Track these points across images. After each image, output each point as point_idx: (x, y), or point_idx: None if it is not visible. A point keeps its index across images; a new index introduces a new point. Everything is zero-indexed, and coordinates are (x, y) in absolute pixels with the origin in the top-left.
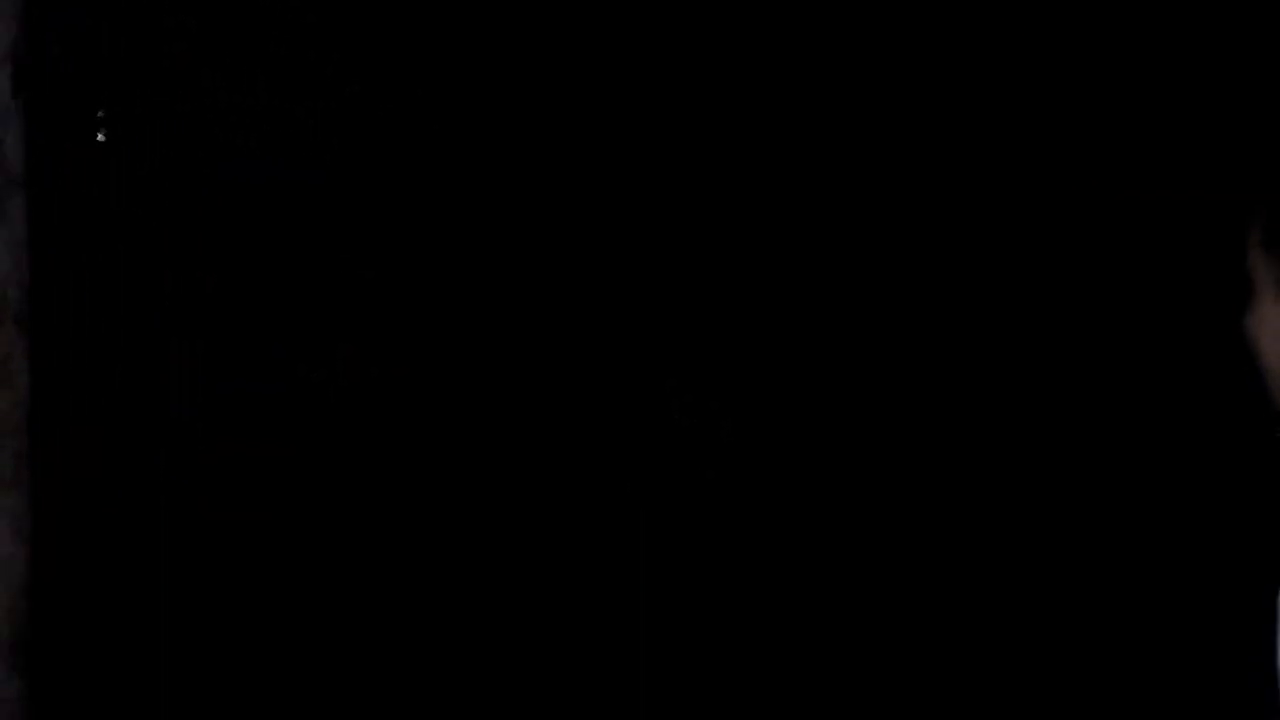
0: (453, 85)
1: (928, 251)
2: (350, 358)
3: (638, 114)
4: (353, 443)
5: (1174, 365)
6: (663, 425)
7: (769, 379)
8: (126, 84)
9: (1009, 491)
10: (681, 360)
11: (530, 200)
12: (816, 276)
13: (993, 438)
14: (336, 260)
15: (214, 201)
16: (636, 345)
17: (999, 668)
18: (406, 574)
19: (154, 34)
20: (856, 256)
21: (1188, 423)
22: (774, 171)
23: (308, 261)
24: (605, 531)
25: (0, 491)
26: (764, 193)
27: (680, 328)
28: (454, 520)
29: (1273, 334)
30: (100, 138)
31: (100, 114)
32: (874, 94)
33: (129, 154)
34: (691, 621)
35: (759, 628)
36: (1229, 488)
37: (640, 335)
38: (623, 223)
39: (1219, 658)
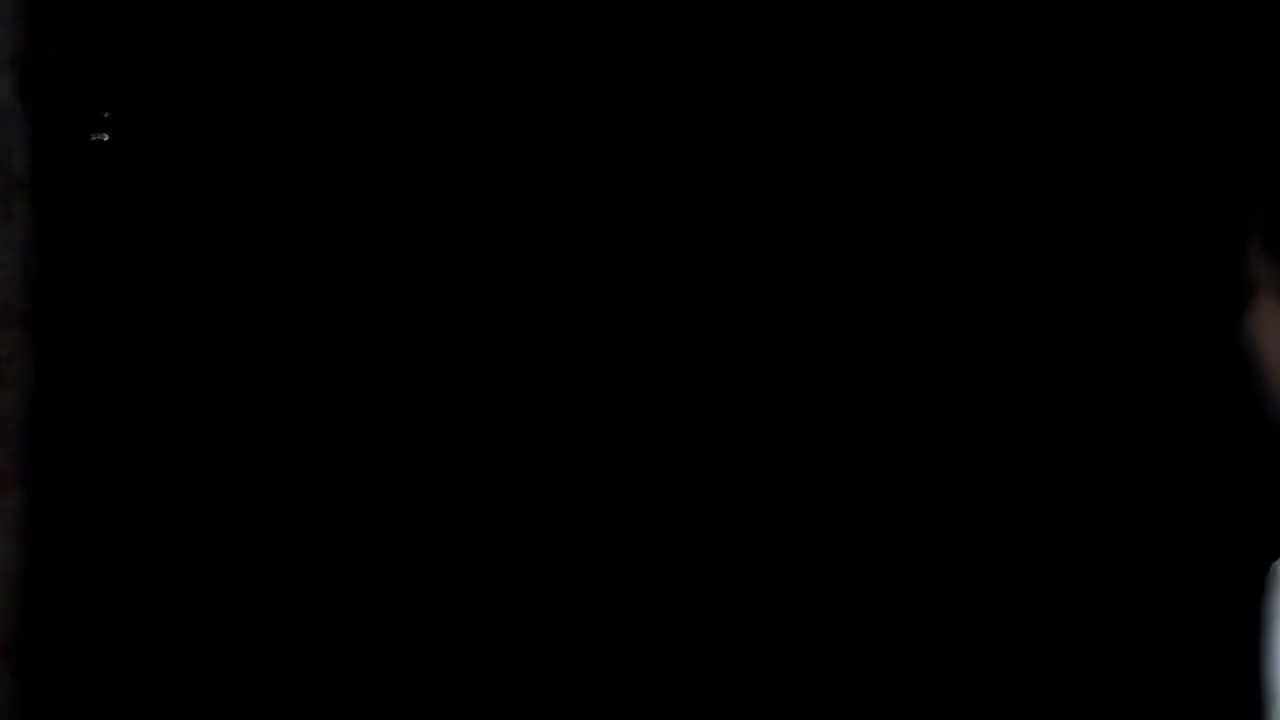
0: (453, 85)
1: (927, 253)
2: (350, 358)
3: (638, 115)
4: (352, 443)
5: (1173, 365)
6: (663, 425)
7: (768, 379)
8: (126, 84)
9: (1008, 491)
10: (681, 360)
11: (530, 201)
12: (816, 277)
13: (993, 437)
14: (336, 260)
15: (214, 201)
16: (636, 345)
17: (996, 666)
18: (407, 573)
19: (154, 34)
20: (856, 257)
21: (1185, 422)
22: (773, 173)
23: (308, 261)
24: (605, 531)
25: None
26: (763, 194)
27: (680, 328)
28: (454, 520)
29: (1272, 335)
30: (104, 138)
31: (105, 115)
32: (872, 95)
33: (130, 154)
34: (691, 621)
35: (759, 627)
36: (1225, 487)
37: (640, 336)
38: (623, 223)
39: (1211, 656)
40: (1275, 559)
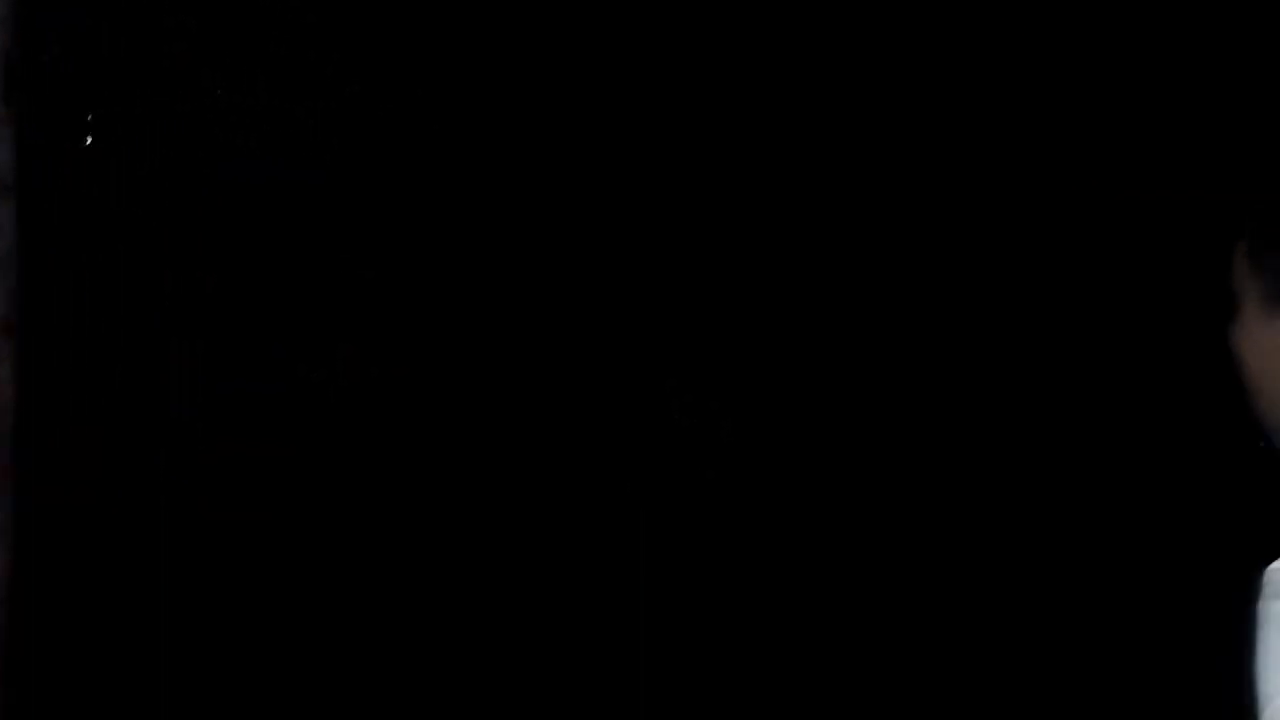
0: (453, 86)
1: (922, 261)
2: (350, 358)
3: (638, 118)
4: (352, 443)
5: (1158, 375)
6: (663, 425)
7: (768, 380)
8: (126, 84)
9: (1003, 492)
10: (681, 360)
11: (530, 202)
12: (815, 280)
13: (987, 438)
14: (336, 260)
15: (214, 201)
16: (637, 346)
17: (989, 665)
18: (407, 572)
19: (154, 34)
20: (854, 261)
21: (1172, 430)
22: (773, 177)
23: (308, 261)
24: (606, 530)
25: None
26: (763, 198)
27: (680, 329)
28: (454, 519)
29: (1255, 346)
30: (89, 142)
31: (89, 118)
32: (871, 104)
33: (129, 154)
34: (691, 618)
35: (758, 625)
36: (1213, 494)
37: (640, 336)
38: (623, 225)
39: (1200, 659)
40: (1262, 565)
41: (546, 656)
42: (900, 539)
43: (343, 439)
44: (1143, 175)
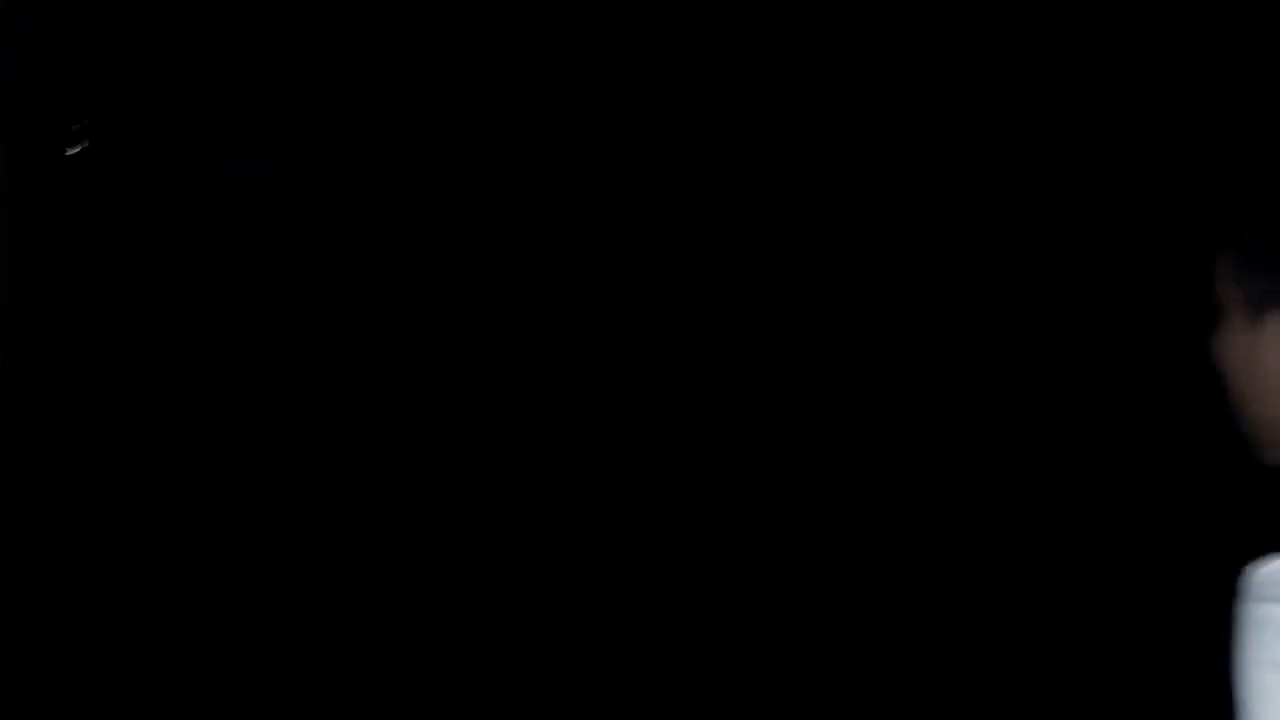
0: (452, 86)
1: (921, 261)
2: (350, 358)
3: (638, 118)
4: (352, 443)
5: (1145, 379)
6: (663, 425)
7: (767, 380)
8: (126, 84)
9: (999, 489)
10: (681, 360)
11: (530, 202)
12: (814, 280)
13: (985, 438)
14: (336, 260)
15: (214, 201)
16: (637, 346)
17: (989, 663)
18: (407, 571)
19: (154, 34)
20: (854, 261)
21: (1157, 434)
22: (773, 178)
23: (308, 261)
24: (606, 530)
25: None
26: (763, 198)
27: (679, 329)
28: (454, 519)
29: (1237, 353)
30: (78, 149)
31: (76, 127)
32: (870, 105)
33: (129, 154)
34: (691, 618)
35: (758, 624)
36: (1196, 497)
37: (640, 336)
38: (623, 225)
39: (1180, 662)
40: (1244, 568)
41: (546, 656)
42: (899, 538)
43: (343, 439)
44: (1133, 178)
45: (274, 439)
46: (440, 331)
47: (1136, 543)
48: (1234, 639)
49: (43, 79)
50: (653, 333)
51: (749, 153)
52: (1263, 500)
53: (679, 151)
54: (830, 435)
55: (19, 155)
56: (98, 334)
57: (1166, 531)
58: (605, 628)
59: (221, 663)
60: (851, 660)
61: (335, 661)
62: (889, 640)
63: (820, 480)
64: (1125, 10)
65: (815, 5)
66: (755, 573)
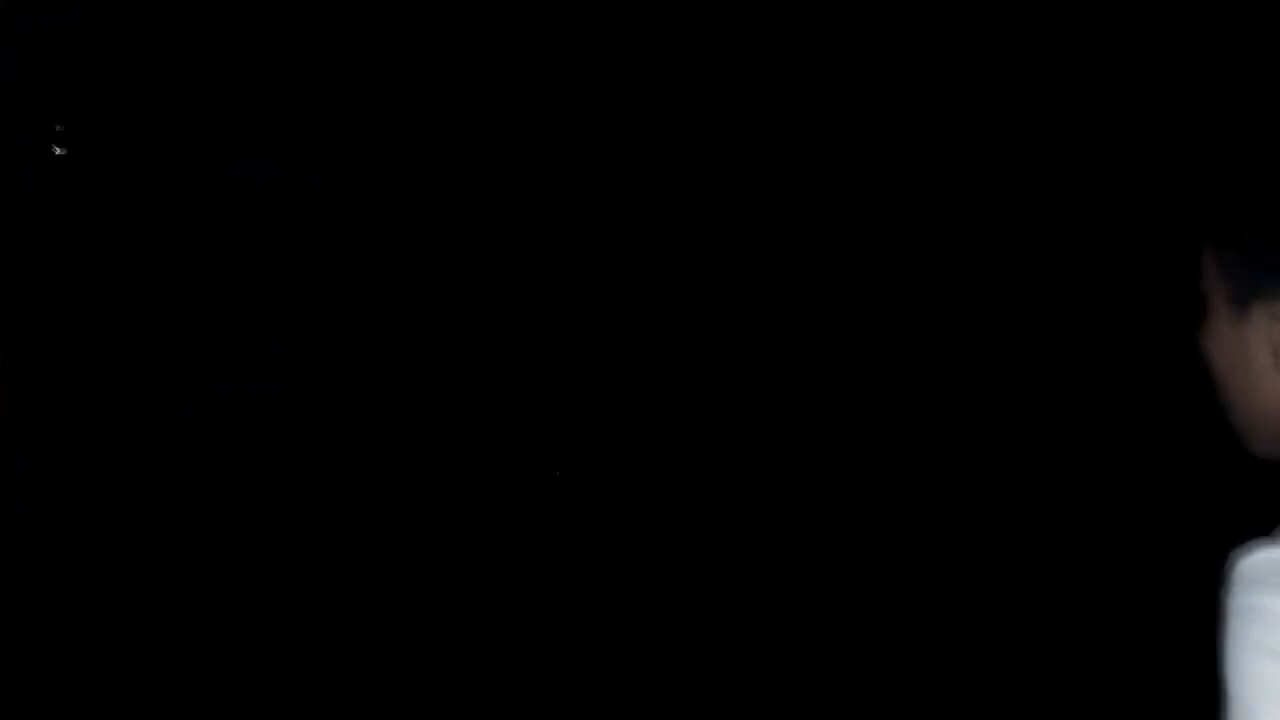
0: (452, 87)
1: (920, 262)
2: (350, 358)
3: (639, 119)
4: (352, 443)
5: (1133, 371)
6: (663, 425)
7: (768, 380)
8: (127, 84)
9: (997, 488)
10: (681, 360)
11: (530, 202)
12: (814, 281)
13: (983, 437)
14: (336, 260)
15: (214, 201)
16: (637, 346)
17: (988, 661)
18: (407, 571)
19: (154, 34)
20: (853, 262)
21: (1145, 425)
22: (773, 179)
23: (308, 261)
24: (606, 530)
25: None
26: (763, 200)
27: (680, 329)
28: (454, 519)
29: (1223, 346)
30: (58, 151)
31: (59, 128)
32: (869, 107)
33: (129, 154)
34: (691, 618)
35: (758, 624)
36: (1183, 486)
37: (640, 336)
38: (623, 225)
39: (1168, 649)
40: (1230, 555)
41: (546, 656)
42: (898, 538)
43: (343, 439)
44: (1123, 176)
45: (274, 439)
46: (440, 332)
47: (1125, 533)
48: (1221, 627)
49: (43, 79)
50: (653, 333)
51: (749, 154)
52: (1249, 491)
53: (678, 152)
54: (830, 435)
55: (19, 155)
56: (98, 334)
57: (1154, 521)
58: (605, 628)
59: (221, 663)
60: (851, 660)
61: (335, 661)
62: (888, 640)
63: (820, 480)
64: (1123, 10)
65: (815, 5)
66: (755, 573)
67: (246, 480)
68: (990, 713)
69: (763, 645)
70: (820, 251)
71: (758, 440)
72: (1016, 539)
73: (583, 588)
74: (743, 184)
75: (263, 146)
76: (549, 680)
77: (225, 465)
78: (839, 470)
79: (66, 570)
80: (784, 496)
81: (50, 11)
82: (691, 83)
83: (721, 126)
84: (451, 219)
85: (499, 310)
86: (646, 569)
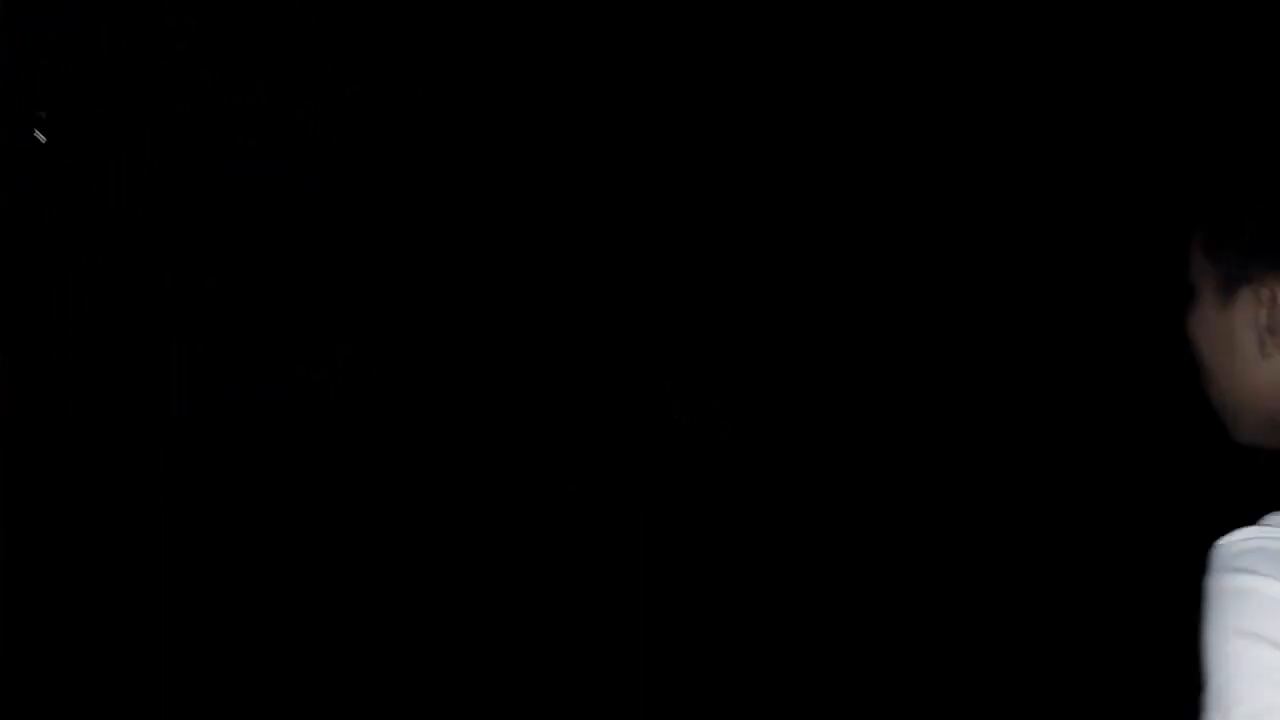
0: (452, 86)
1: (919, 261)
2: (350, 358)
3: (638, 118)
4: (352, 443)
5: (1116, 361)
6: (663, 425)
7: (768, 380)
8: (126, 84)
9: (996, 488)
10: (681, 360)
11: (530, 202)
12: (814, 280)
13: (982, 437)
14: (336, 260)
15: (214, 201)
16: (637, 346)
17: (987, 661)
18: (407, 571)
19: (154, 34)
20: (852, 261)
21: (1129, 416)
22: (772, 178)
23: (308, 261)
24: (606, 530)
25: None
26: (762, 199)
27: (680, 329)
28: (454, 519)
29: (1209, 335)
30: (40, 139)
31: (41, 115)
32: (868, 105)
33: (129, 154)
34: (691, 618)
35: (757, 624)
36: (1166, 476)
37: (640, 336)
38: (623, 225)
39: (1148, 637)
40: (1211, 544)
41: (546, 656)
42: (898, 538)
43: (343, 439)
44: (1110, 169)
45: (274, 439)
46: (440, 332)
47: (1109, 519)
48: (1204, 610)
49: (43, 79)
50: (653, 333)
51: (748, 153)
52: (1233, 476)
53: (678, 152)
54: (830, 435)
55: (19, 155)
56: (98, 334)
57: (1138, 508)
58: (605, 627)
59: (221, 663)
60: (851, 660)
61: (335, 661)
62: (888, 640)
63: (820, 480)
64: (1121, 11)
65: (815, 5)
66: (755, 572)
67: (246, 480)
68: (985, 705)
69: (762, 645)
70: (819, 252)
71: (758, 440)
72: (1008, 530)
73: (582, 588)
74: (742, 185)
75: (263, 146)
76: (549, 680)
77: (225, 465)
78: (839, 470)
79: (66, 570)
80: (784, 497)
81: (50, 11)
82: (691, 83)
83: (721, 127)
84: (451, 219)
85: (499, 310)
86: (646, 569)
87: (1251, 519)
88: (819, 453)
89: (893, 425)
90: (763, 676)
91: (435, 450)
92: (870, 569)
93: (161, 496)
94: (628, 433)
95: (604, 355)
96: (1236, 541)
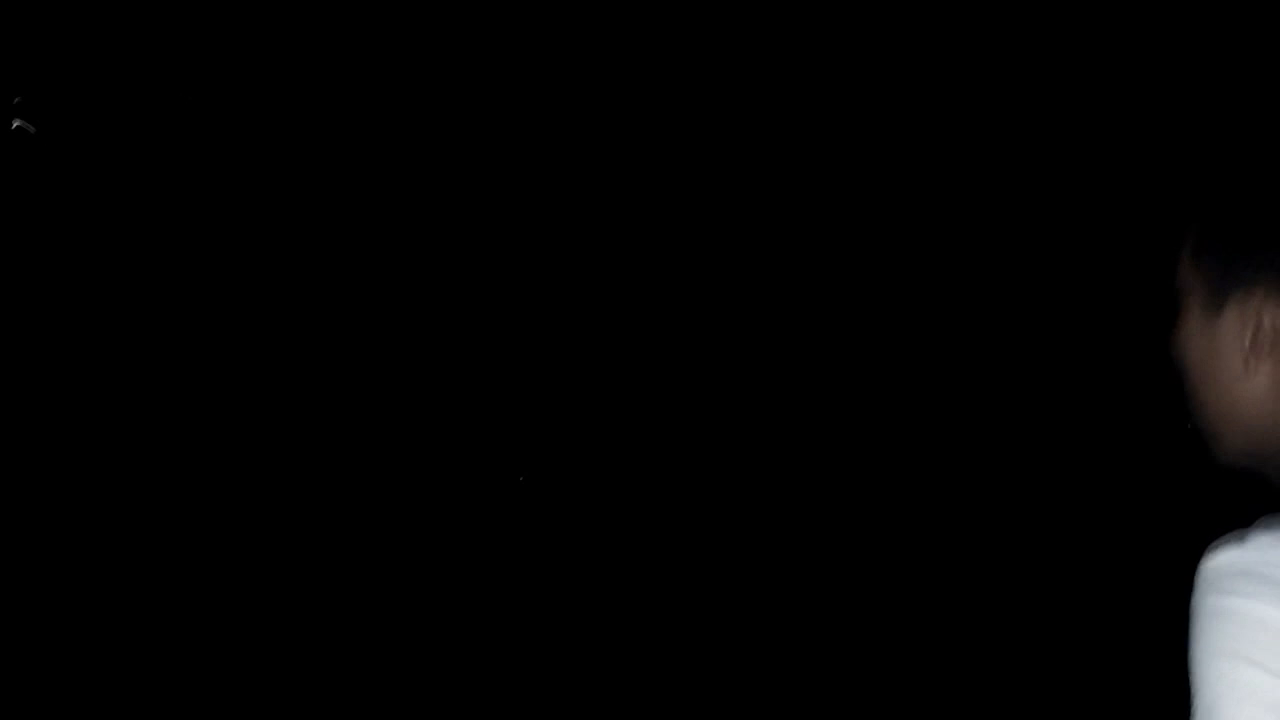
0: (452, 86)
1: (919, 261)
2: (349, 355)
3: (638, 118)
4: (352, 442)
5: (1104, 370)
6: (662, 425)
7: (767, 379)
8: (124, 83)
9: (995, 486)
10: (681, 360)
11: (530, 201)
12: (814, 280)
13: (981, 437)
14: (336, 260)
15: (214, 201)
16: (637, 346)
17: (986, 662)
18: (407, 572)
19: (150, 33)
20: (852, 261)
21: (1116, 425)
22: (772, 177)
23: (307, 261)
24: (606, 530)
25: None
26: (762, 198)
27: (680, 329)
28: (454, 519)
29: (1195, 348)
30: (16, 125)
31: (16, 100)
32: (869, 106)
33: (127, 153)
34: (690, 618)
35: (757, 625)
36: (1153, 488)
37: (640, 336)
38: (623, 224)
39: (1137, 650)
40: (1199, 562)
41: (546, 657)
42: (898, 537)
43: (342, 439)
44: (1102, 179)
45: (274, 438)
46: (440, 332)
47: (1096, 534)
48: (1190, 631)
49: (42, 78)
50: (652, 332)
51: (748, 153)
52: (1218, 493)
53: (678, 152)
54: (829, 435)
55: (18, 154)
56: (97, 334)
57: (1122, 527)
58: (603, 627)
59: (221, 662)
60: (850, 660)
61: (335, 661)
62: (888, 639)
63: (820, 480)
64: (1118, 11)
65: (815, 5)
66: (754, 572)
67: (246, 480)
68: (981, 710)
69: (762, 645)
70: (820, 251)
71: (758, 440)
72: (1001, 539)
73: (582, 587)
74: (742, 184)
75: (261, 146)
76: (548, 680)
77: (225, 465)
78: (839, 470)
79: (66, 570)
80: (783, 496)
81: (49, 10)
82: (690, 82)
83: (721, 127)
84: (451, 219)
85: (498, 310)
86: (646, 568)
87: (1237, 539)
88: (818, 453)
89: (892, 425)
90: (762, 676)
91: (435, 450)
92: (869, 569)
93: (161, 497)
94: (626, 432)
95: (604, 355)
96: (1222, 562)
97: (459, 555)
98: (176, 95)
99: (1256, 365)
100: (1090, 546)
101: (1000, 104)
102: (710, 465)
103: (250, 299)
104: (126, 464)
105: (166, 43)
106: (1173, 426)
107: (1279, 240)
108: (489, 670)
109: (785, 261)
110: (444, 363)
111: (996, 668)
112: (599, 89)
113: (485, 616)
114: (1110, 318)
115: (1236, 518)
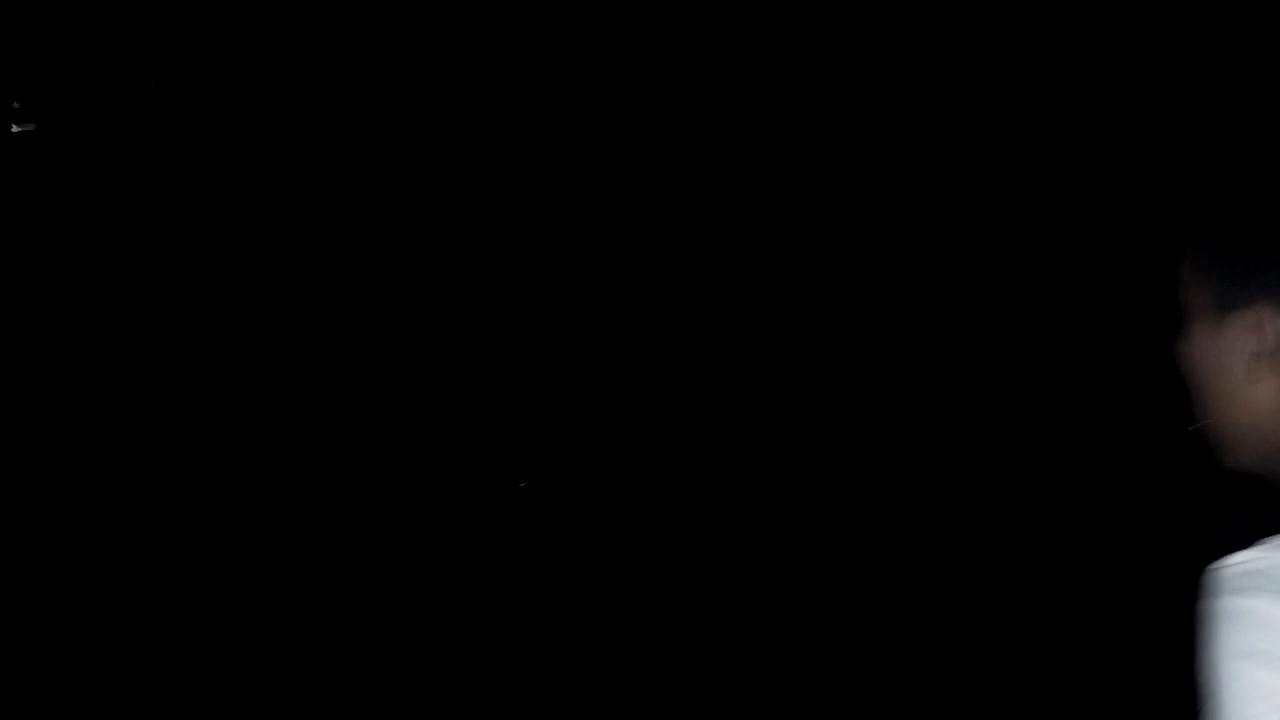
0: (452, 86)
1: (918, 261)
2: (349, 355)
3: (638, 118)
4: (352, 442)
5: (1113, 379)
6: (661, 425)
7: (766, 379)
8: (120, 83)
9: (994, 487)
10: (680, 360)
11: (529, 201)
12: (813, 280)
13: (981, 438)
14: (336, 260)
15: (213, 201)
16: (637, 346)
17: (982, 662)
18: (406, 572)
19: (144, 32)
20: (852, 261)
21: (1123, 434)
22: (771, 177)
23: (307, 261)
24: (605, 530)
25: None
26: (762, 198)
27: (679, 329)
28: (453, 519)
29: (1201, 355)
30: (15, 129)
31: (15, 105)
32: (869, 106)
33: (123, 152)
34: (690, 617)
35: (757, 625)
36: (1161, 497)
37: (640, 336)
38: (622, 224)
39: (1147, 658)
40: (1208, 566)
41: (546, 657)
42: (898, 538)
43: (342, 438)
44: (1104, 187)
45: (275, 439)
46: (439, 332)
47: (1103, 541)
48: (1201, 634)
49: (41, 78)
50: (652, 332)
51: (747, 152)
52: (1226, 500)
53: (677, 151)
54: (829, 435)
55: (18, 154)
56: (97, 334)
57: (1130, 532)
58: (605, 627)
59: (221, 662)
60: (850, 660)
61: (334, 661)
62: (888, 639)
63: (819, 480)
64: (1118, 11)
65: (815, 5)
66: (754, 572)
67: (246, 480)
68: (982, 710)
69: (762, 645)
70: (818, 251)
71: (757, 440)
72: (1007, 542)
73: (582, 588)
74: (741, 184)
75: (258, 144)
76: (548, 681)
77: (225, 465)
78: (839, 470)
79: (66, 570)
80: (783, 497)
81: (49, 9)
82: (690, 83)
83: (721, 126)
84: (451, 219)
85: (498, 310)
86: (646, 569)
87: (1245, 544)
88: (818, 453)
89: (892, 425)
90: (761, 677)
91: (435, 450)
92: (870, 568)
93: (161, 497)
94: (626, 432)
95: (604, 355)
96: (1232, 565)
97: (460, 561)
98: (151, 86)
99: (1261, 374)
100: (1096, 550)
101: (1008, 111)
102: (711, 468)
103: (250, 300)
104: (126, 463)
105: (166, 42)
106: (1178, 431)
107: None
108: (489, 672)
109: (785, 261)
110: (445, 369)
111: (997, 668)
112: (599, 89)
113: (486, 619)
114: (1116, 324)
115: (1243, 521)
